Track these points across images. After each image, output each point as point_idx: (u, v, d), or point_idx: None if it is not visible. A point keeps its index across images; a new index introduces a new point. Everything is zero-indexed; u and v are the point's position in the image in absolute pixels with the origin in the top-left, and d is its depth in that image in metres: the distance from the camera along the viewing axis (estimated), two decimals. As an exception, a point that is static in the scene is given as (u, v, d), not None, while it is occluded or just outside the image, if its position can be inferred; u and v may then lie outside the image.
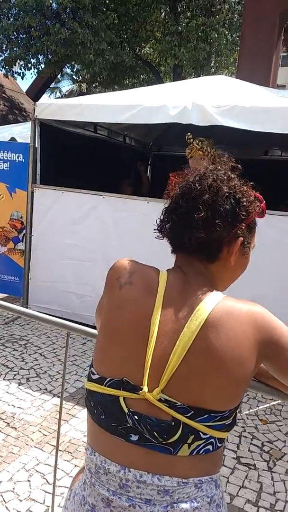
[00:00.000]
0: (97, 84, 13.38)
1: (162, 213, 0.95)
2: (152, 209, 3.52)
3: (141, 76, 13.02)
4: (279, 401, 2.99)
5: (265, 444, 2.51)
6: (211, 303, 0.82)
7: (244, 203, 0.88)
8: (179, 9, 11.15)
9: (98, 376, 0.86)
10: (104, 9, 9.66)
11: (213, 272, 0.90)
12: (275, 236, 3.19)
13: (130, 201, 3.67)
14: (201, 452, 0.80)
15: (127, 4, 10.24)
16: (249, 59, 7.18)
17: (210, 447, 0.81)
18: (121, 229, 3.67)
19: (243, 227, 0.89)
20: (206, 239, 0.86)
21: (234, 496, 2.08)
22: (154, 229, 0.96)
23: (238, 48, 8.91)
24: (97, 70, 9.71)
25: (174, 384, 0.79)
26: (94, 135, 4.96)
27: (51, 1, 8.30)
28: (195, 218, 0.85)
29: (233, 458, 2.35)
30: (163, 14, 11.59)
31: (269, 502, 2.05)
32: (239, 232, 0.88)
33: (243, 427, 2.66)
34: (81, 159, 4.49)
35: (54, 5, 8.76)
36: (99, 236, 3.77)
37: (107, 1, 10.24)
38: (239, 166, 0.95)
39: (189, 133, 3.49)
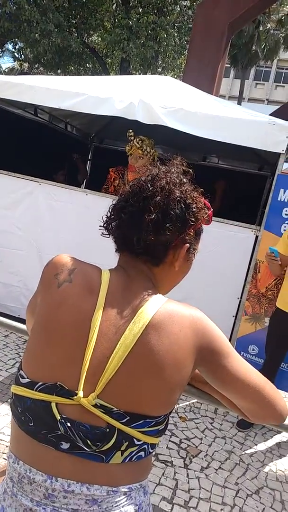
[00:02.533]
0: (39, 65, 12.85)
1: (109, 210, 0.91)
2: (91, 202, 3.45)
3: (87, 64, 12.75)
4: (199, 399, 3.10)
5: (183, 441, 2.58)
6: (154, 305, 0.81)
7: (194, 209, 0.87)
8: (131, 3, 11.09)
9: (28, 380, 0.80)
10: (55, -10, 9.31)
11: (156, 275, 0.89)
12: (204, 239, 3.29)
13: (68, 191, 3.55)
14: (133, 459, 0.78)
15: (78, -11, 9.99)
16: (196, 64, 7.33)
17: (142, 453, 0.80)
18: (57, 219, 3.55)
19: (191, 233, 0.88)
20: (154, 242, 0.84)
21: (150, 493, 2.11)
22: (100, 226, 0.91)
23: (186, 52, 9.07)
24: (41, 51, 9.33)
25: (112, 389, 0.76)
26: (34, 118, 4.74)
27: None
28: (145, 219, 0.83)
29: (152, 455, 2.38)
30: (115, 5, 11.45)
31: (184, 499, 2.11)
32: (187, 237, 0.87)
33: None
34: (19, 142, 4.27)
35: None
36: (33, 224, 3.60)
37: (58, -18, 9.87)
38: (191, 170, 0.94)
39: (130, 130, 3.48)
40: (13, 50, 12.91)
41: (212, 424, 2.82)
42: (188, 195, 0.88)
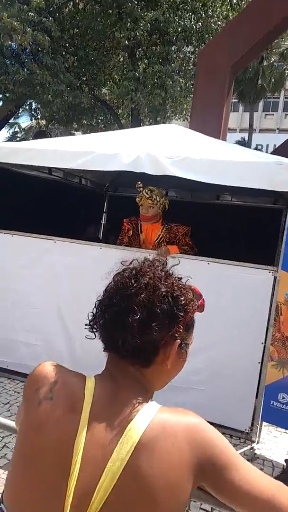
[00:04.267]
0: (54, 122, 13.56)
1: (95, 306, 0.87)
2: (104, 255, 3.49)
3: (100, 117, 13.35)
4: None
5: (214, 509, 2.42)
6: (144, 419, 0.74)
7: (182, 302, 0.83)
8: (137, 56, 11.69)
9: None
10: (64, 52, 9.92)
11: (147, 377, 0.83)
12: (221, 282, 3.26)
13: (82, 246, 3.62)
14: None
15: (86, 49, 10.60)
16: (201, 107, 7.55)
17: None
18: (73, 275, 3.59)
19: (181, 329, 0.82)
20: (140, 343, 0.78)
21: None
22: (85, 324, 0.87)
23: (192, 95, 9.38)
24: (55, 110, 9.84)
25: None
26: (49, 177, 4.93)
27: (9, 42, 8.43)
28: (130, 320, 0.78)
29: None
30: (122, 59, 12.10)
31: None
32: (176, 335, 0.82)
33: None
34: (35, 201, 4.42)
35: (14, 46, 8.91)
36: (51, 282, 3.66)
37: (67, 45, 10.55)
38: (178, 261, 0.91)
39: (139, 182, 3.56)
40: (29, 110, 13.75)
41: None
42: (176, 287, 0.83)
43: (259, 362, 3.19)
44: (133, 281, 0.82)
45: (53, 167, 4.66)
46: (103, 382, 0.81)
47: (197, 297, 0.89)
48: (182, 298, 0.83)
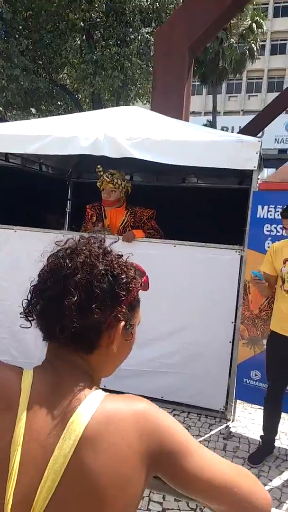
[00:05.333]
0: (12, 108, 13.06)
1: (29, 292, 0.78)
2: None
3: (59, 102, 12.95)
4: (205, 435, 2.93)
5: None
6: (87, 411, 0.67)
7: (124, 280, 0.76)
8: (94, 38, 11.35)
9: None
10: (17, 35, 9.49)
11: (92, 364, 0.76)
12: (189, 265, 3.22)
13: (44, 234, 3.47)
14: None
15: (41, 31, 10.18)
16: (162, 90, 7.42)
17: None
18: (35, 264, 3.44)
19: (124, 309, 0.76)
20: (80, 328, 0.71)
21: None
22: (20, 313, 0.78)
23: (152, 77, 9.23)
24: (10, 96, 9.44)
25: None
26: (5, 164, 4.70)
27: None
28: (66, 304, 0.70)
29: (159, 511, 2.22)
30: (78, 41, 11.72)
31: None
32: (119, 315, 0.75)
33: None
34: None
35: None
36: (13, 273, 3.50)
37: (20, 27, 10.08)
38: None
39: (99, 166, 3.45)
40: (-15, 96, 13.18)
41: (223, 462, 2.65)
42: (115, 265, 0.76)
43: (230, 342, 3.18)
44: (67, 261, 0.74)
45: (9, 153, 4.45)
46: (42, 374, 0.73)
47: (140, 274, 0.82)
48: (123, 276, 0.76)
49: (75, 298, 0.71)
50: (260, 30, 24.05)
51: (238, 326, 3.15)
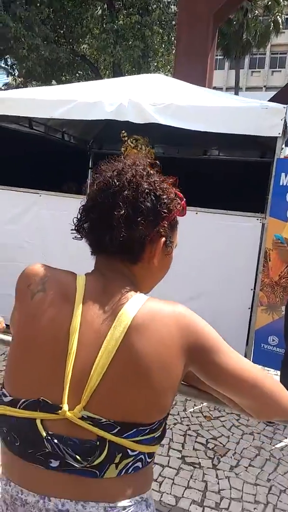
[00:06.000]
0: (32, 79, 12.96)
1: (79, 212, 0.87)
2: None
3: (79, 72, 12.79)
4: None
5: (210, 441, 2.52)
6: (134, 306, 0.77)
7: (165, 200, 0.84)
8: (115, 7, 11.08)
9: (11, 398, 0.77)
10: (38, 4, 9.34)
11: (136, 274, 0.85)
12: (210, 232, 3.26)
13: (68, 199, 3.53)
14: (129, 471, 0.74)
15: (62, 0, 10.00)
16: (185, 59, 7.27)
17: (139, 464, 0.75)
18: (60, 229, 3.52)
19: (165, 225, 0.84)
20: (127, 239, 0.80)
21: (179, 497, 2.05)
22: (71, 229, 0.87)
23: (174, 48, 9.03)
24: (31, 65, 9.37)
25: (98, 399, 0.72)
26: (29, 131, 4.74)
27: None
28: (115, 215, 0.79)
29: (178, 458, 2.33)
30: (100, 11, 11.46)
31: (214, 501, 2.04)
32: (161, 230, 0.84)
33: (187, 425, 2.65)
34: (17, 156, 4.27)
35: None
36: (38, 237, 3.60)
37: (41, -5, 9.92)
38: (158, 162, 0.91)
39: (123, 131, 3.46)
40: (6, 66, 13.06)
41: (239, 421, 2.75)
42: (158, 187, 0.84)
43: (249, 308, 3.23)
44: (115, 180, 0.82)
45: (34, 119, 4.49)
46: (93, 277, 0.84)
47: (180, 198, 0.89)
48: (164, 197, 0.84)
49: (123, 212, 0.79)
50: (286, 1, 23.07)
51: (257, 292, 3.19)
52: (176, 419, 2.70)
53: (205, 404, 2.91)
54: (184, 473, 2.22)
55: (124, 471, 0.73)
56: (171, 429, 2.57)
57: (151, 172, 0.86)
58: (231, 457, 2.38)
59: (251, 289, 3.23)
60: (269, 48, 30.55)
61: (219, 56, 25.60)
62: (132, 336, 0.73)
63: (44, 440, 0.72)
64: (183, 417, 2.74)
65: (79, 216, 0.87)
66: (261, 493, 2.13)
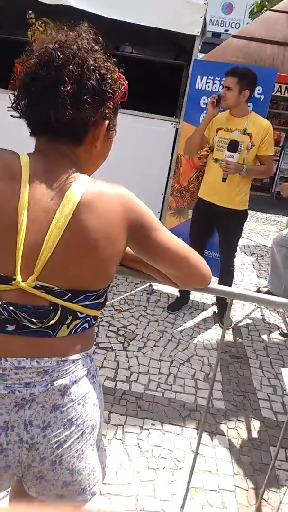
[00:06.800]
0: None
1: (16, 87, 0.81)
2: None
3: None
4: (131, 292, 3.29)
5: (120, 329, 2.79)
6: (81, 186, 0.79)
7: (110, 80, 0.82)
8: None
9: None
10: None
11: (79, 156, 0.85)
12: (123, 135, 3.21)
13: None
14: (78, 330, 0.84)
15: None
16: None
17: (86, 325, 0.85)
18: None
19: (110, 107, 0.83)
20: (73, 118, 0.78)
21: (95, 375, 2.31)
22: (8, 107, 0.83)
23: None
24: None
25: (50, 270, 0.77)
26: None
27: None
28: (61, 91, 0.76)
29: (93, 344, 2.56)
30: None
31: (125, 376, 2.34)
32: (106, 112, 0.83)
33: (100, 317, 2.88)
34: None
35: None
36: None
37: None
38: (100, 39, 0.85)
39: (30, 11, 3.06)
40: None
41: (146, 311, 3.06)
42: (102, 65, 0.81)
43: (158, 212, 3.40)
44: (59, 52, 0.78)
45: None
46: (36, 158, 0.82)
47: (122, 81, 0.87)
48: (108, 76, 0.82)
49: (69, 88, 0.76)
50: None
51: (167, 197, 3.35)
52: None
53: (115, 299, 3.16)
54: (98, 356, 2.47)
55: (74, 330, 0.83)
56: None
57: (96, 47, 0.82)
58: (139, 341, 2.69)
59: (162, 194, 3.38)
60: None
61: None
62: (80, 213, 0.77)
63: (0, 308, 0.76)
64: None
65: (16, 92, 0.81)
66: (164, 366, 2.48)
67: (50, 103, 0.77)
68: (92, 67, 0.79)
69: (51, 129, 0.80)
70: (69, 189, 0.78)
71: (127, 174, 3.30)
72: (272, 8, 7.13)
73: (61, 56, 0.77)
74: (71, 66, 0.77)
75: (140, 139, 3.24)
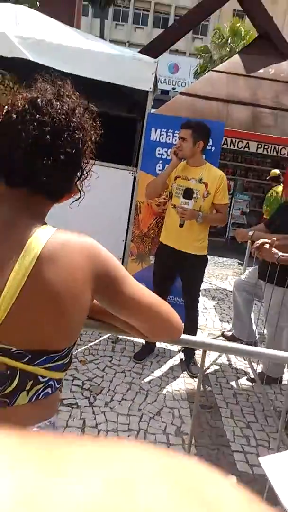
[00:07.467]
0: None
1: None
2: None
3: None
4: (96, 341, 3.17)
5: (85, 382, 2.64)
6: (43, 236, 0.75)
7: (90, 144, 0.87)
8: None
9: None
10: None
11: (48, 208, 0.84)
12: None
13: None
14: (40, 397, 0.76)
15: None
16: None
17: (49, 390, 0.78)
18: None
19: (88, 169, 0.88)
20: (64, 182, 0.83)
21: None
22: None
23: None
24: None
25: (7, 329, 0.71)
26: None
27: None
28: (60, 160, 0.78)
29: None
30: None
31: (92, 435, 2.18)
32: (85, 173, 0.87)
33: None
34: None
35: None
36: None
37: None
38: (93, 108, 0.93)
39: None
40: None
41: (111, 362, 2.93)
42: (82, 126, 0.84)
43: (120, 258, 3.37)
44: (65, 119, 0.81)
45: None
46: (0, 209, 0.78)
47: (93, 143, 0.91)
48: (88, 139, 0.86)
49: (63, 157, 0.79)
50: None
51: (128, 243, 3.34)
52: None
53: (79, 350, 3.01)
54: (62, 414, 2.30)
55: (34, 397, 0.75)
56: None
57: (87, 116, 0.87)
58: (105, 394, 2.54)
59: (123, 240, 3.37)
60: (133, 3, 30.28)
61: (84, 1, 24.32)
62: (42, 265, 0.72)
63: None
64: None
65: None
66: (134, 421, 2.34)
67: (41, 165, 0.77)
68: (80, 136, 0.83)
69: (33, 188, 0.79)
70: (30, 239, 0.73)
71: (89, 221, 3.30)
72: (214, 69, 7.76)
73: (66, 124, 0.81)
74: (66, 134, 0.80)
75: (100, 187, 3.25)
